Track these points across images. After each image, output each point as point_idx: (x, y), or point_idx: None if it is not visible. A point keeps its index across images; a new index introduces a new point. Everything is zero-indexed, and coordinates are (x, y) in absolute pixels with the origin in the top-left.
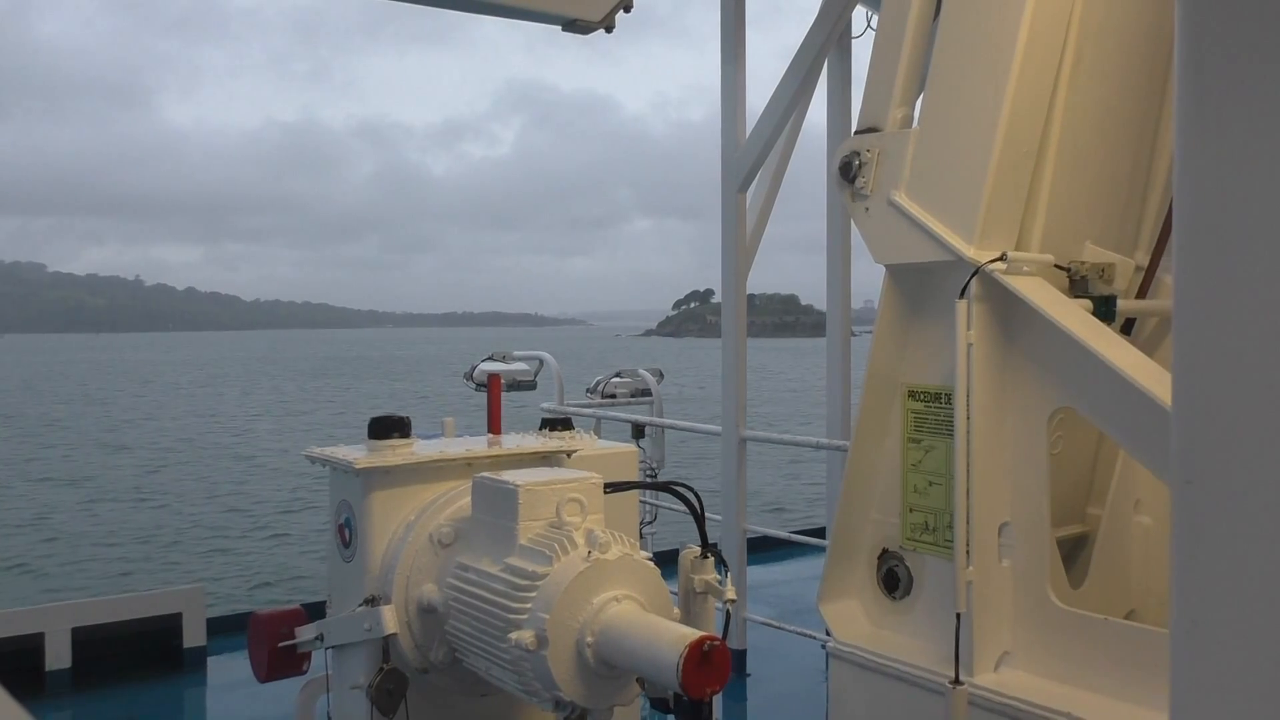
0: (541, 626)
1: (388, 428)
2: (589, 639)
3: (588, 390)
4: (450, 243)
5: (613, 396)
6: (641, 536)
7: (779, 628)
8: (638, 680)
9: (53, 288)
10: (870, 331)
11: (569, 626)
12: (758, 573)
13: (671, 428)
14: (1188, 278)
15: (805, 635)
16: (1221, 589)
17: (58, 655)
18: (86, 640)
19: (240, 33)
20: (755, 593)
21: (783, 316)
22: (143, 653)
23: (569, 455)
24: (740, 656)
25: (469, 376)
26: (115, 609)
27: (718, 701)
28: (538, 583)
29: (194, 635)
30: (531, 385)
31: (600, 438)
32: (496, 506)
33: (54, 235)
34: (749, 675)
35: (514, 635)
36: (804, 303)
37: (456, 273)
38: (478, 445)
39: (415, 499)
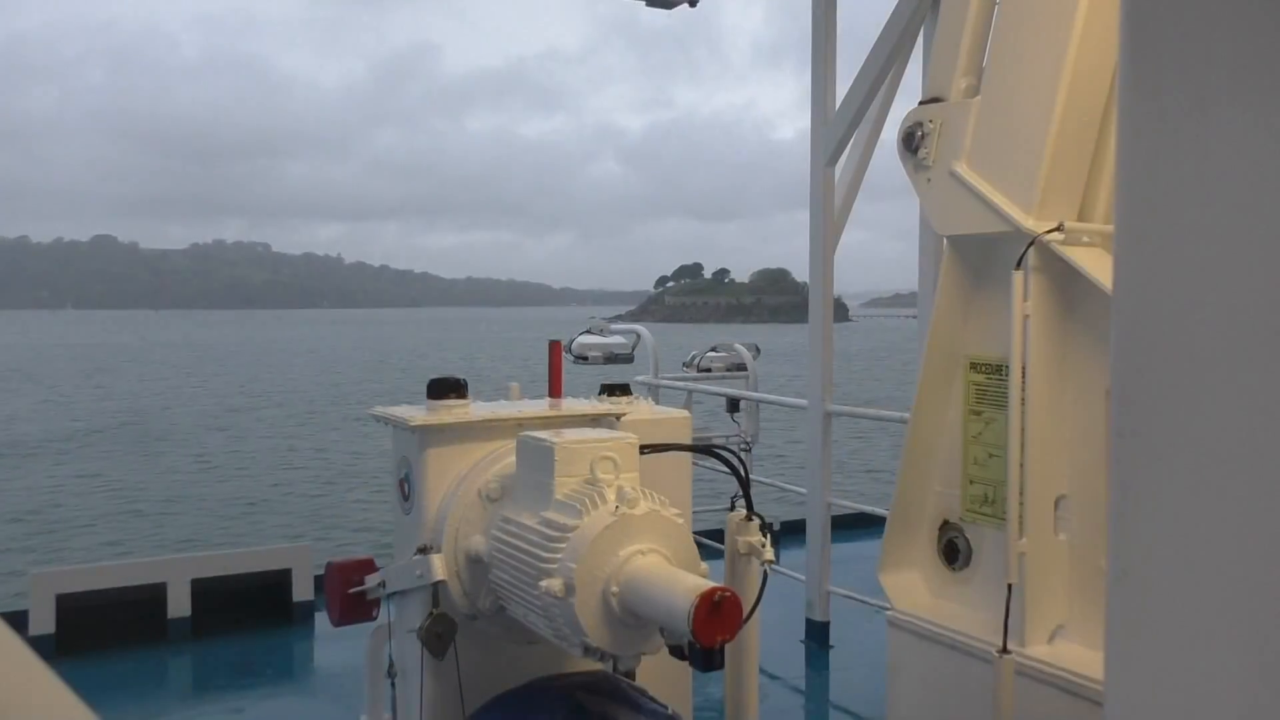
0: (570, 576)
1: (445, 388)
2: (614, 589)
3: (684, 364)
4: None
5: (708, 370)
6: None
7: (861, 601)
8: (661, 630)
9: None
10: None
11: (596, 576)
12: (847, 549)
13: (761, 401)
14: (1126, 248)
15: (887, 609)
16: (1149, 538)
17: (178, 604)
18: (205, 591)
19: None
20: (842, 566)
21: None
22: (255, 604)
23: (618, 419)
24: (824, 628)
25: (567, 349)
26: (231, 563)
27: (801, 673)
28: (568, 535)
29: (302, 590)
30: (629, 358)
31: (691, 410)
32: (536, 463)
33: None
34: (832, 647)
35: (544, 583)
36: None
37: (635, 256)
38: (533, 407)
39: (469, 456)
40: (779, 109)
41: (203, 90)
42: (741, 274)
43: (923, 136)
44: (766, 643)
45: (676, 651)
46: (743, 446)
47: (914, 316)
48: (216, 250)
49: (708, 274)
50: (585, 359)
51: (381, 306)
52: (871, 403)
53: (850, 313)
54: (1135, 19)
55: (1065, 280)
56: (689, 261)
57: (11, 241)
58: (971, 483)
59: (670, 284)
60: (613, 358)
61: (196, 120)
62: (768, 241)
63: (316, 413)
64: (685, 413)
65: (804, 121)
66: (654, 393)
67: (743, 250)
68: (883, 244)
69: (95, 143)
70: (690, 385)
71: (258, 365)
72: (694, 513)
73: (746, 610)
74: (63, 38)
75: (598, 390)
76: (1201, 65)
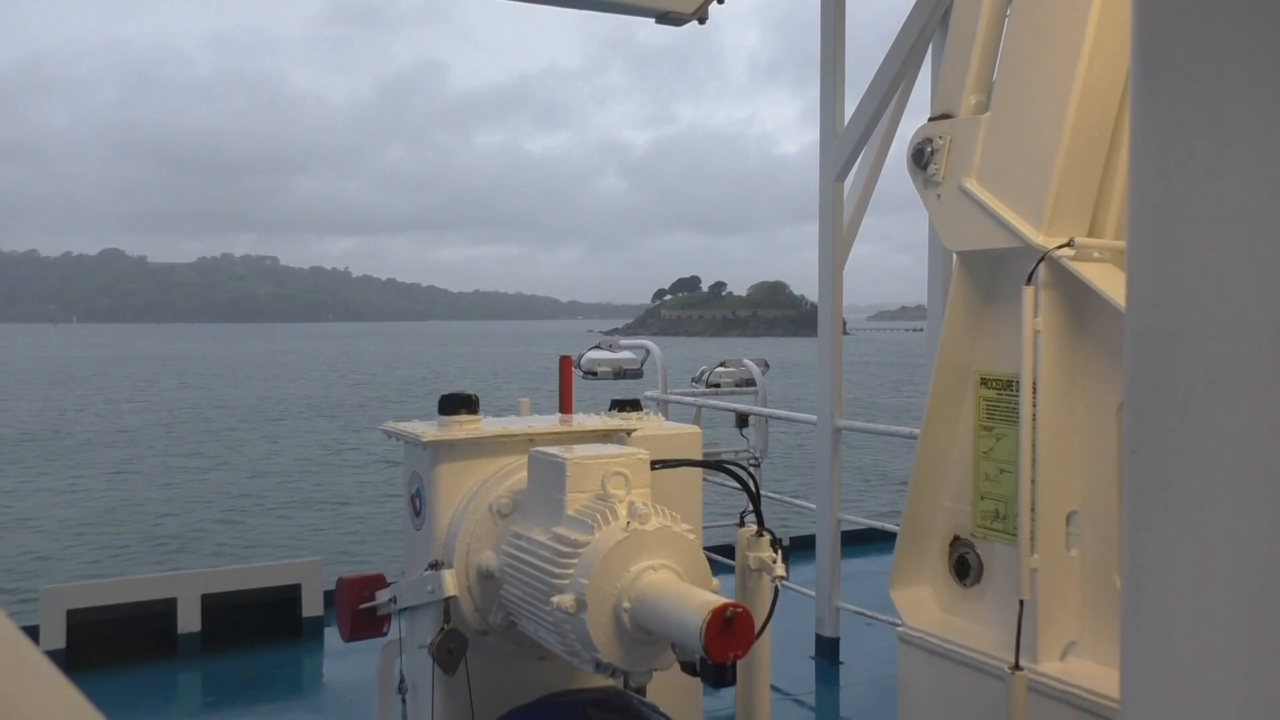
0: (581, 591)
1: (455, 404)
2: (626, 605)
3: (693, 379)
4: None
5: (717, 386)
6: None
7: (872, 617)
8: (672, 646)
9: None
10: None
11: (607, 592)
12: (857, 564)
13: (771, 416)
14: (1139, 265)
15: (896, 625)
16: (1164, 553)
17: (189, 619)
18: (215, 606)
19: None
20: (852, 582)
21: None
22: (265, 620)
23: (629, 434)
24: (833, 644)
25: (577, 364)
26: (241, 578)
27: (811, 689)
28: (580, 550)
29: (312, 605)
30: (638, 374)
31: (701, 426)
32: (547, 479)
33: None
34: (842, 663)
35: (555, 599)
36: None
37: (645, 268)
38: (544, 422)
39: (480, 472)
40: (780, 125)
41: (215, 107)
42: (741, 287)
43: (932, 153)
44: (776, 659)
45: (688, 667)
46: (752, 462)
47: (918, 330)
48: (224, 264)
49: (705, 287)
50: (594, 374)
51: (387, 320)
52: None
53: (848, 326)
54: (1148, 36)
55: (1076, 296)
56: (696, 274)
57: (21, 255)
58: (982, 498)
59: (667, 297)
60: (622, 373)
61: (208, 136)
62: (773, 255)
63: (237, 427)
64: (696, 428)
65: (805, 136)
66: (663, 408)
67: (749, 264)
68: (889, 257)
69: (107, 158)
70: (699, 400)
71: (212, 380)
72: (703, 528)
73: (758, 626)
74: (78, 55)
75: (608, 406)
76: (1214, 81)
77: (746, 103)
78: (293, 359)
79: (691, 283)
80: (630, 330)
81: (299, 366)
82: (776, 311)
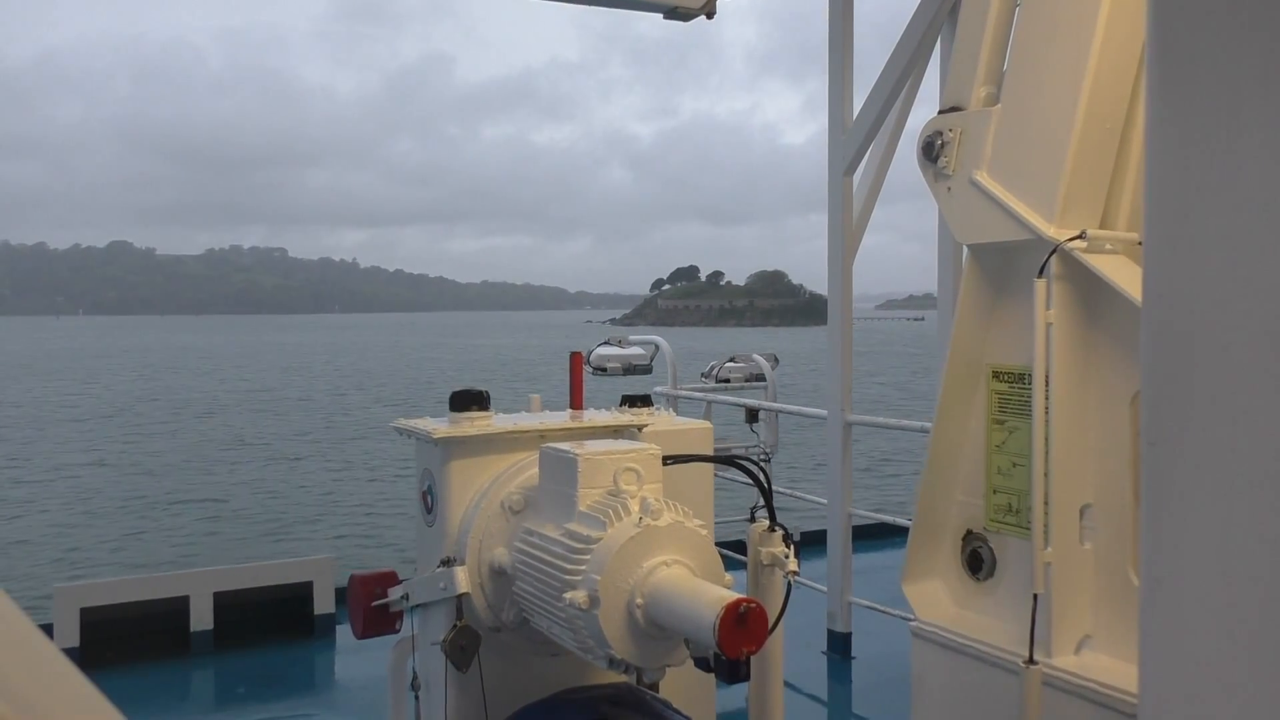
0: (594, 587)
1: (467, 401)
2: (639, 601)
3: (702, 374)
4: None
5: (726, 381)
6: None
7: (884, 611)
8: (686, 642)
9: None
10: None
11: (620, 588)
12: (869, 559)
13: (780, 411)
14: (1156, 257)
15: (909, 620)
16: (1182, 546)
17: (201, 617)
18: (227, 604)
19: None
20: (864, 577)
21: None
22: (277, 617)
23: (640, 429)
24: (845, 639)
25: (587, 360)
26: (253, 576)
27: (823, 684)
28: (592, 546)
29: (324, 603)
30: (647, 369)
31: (711, 421)
32: (559, 475)
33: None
34: (854, 659)
35: (568, 595)
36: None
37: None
38: (555, 419)
39: (491, 468)
40: (783, 116)
41: (225, 101)
42: (743, 276)
43: (942, 145)
44: (788, 654)
45: (701, 663)
46: (762, 457)
47: (918, 319)
48: (232, 256)
49: (703, 276)
50: (604, 370)
51: (394, 311)
52: None
53: None
54: (1163, 25)
55: (1088, 288)
56: (694, 264)
57: (30, 248)
58: (995, 492)
59: (666, 287)
60: (631, 369)
61: (219, 130)
62: (782, 245)
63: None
64: (707, 423)
65: (808, 128)
66: (672, 403)
67: (758, 253)
68: (898, 246)
69: (118, 152)
70: (709, 396)
71: (167, 372)
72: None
73: (771, 622)
74: (92, 51)
75: (618, 401)
76: (1231, 72)
77: (747, 95)
78: (263, 352)
79: (690, 272)
80: (627, 321)
81: (267, 359)
82: (774, 301)
